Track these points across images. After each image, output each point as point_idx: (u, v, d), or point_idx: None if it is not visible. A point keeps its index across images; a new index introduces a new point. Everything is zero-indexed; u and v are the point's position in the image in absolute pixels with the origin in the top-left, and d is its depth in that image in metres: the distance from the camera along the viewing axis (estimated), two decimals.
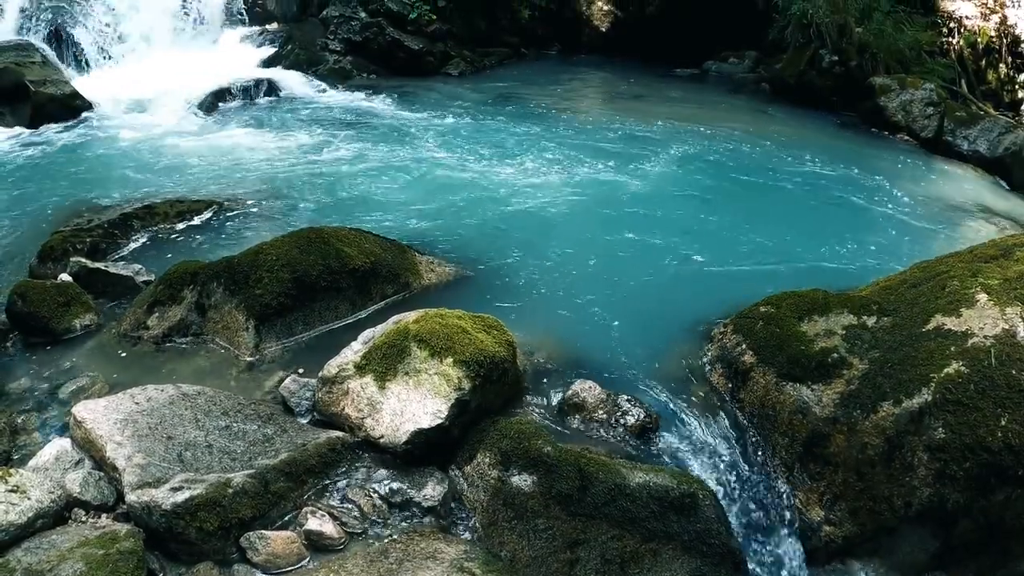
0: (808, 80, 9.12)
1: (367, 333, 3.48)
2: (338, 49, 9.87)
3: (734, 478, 3.22)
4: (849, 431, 3.10)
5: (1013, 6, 9.25)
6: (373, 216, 5.30)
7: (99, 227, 4.92)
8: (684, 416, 3.45)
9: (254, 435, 3.13)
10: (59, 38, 9.03)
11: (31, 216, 5.38)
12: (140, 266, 4.50)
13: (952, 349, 3.06)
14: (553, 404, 3.48)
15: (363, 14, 10.10)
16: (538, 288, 4.39)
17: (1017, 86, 9.28)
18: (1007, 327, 3.04)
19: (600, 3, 11.03)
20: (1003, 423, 2.83)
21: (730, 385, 3.55)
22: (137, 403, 3.15)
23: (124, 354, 3.82)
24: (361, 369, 3.28)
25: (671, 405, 3.51)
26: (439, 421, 3.09)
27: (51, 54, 8.75)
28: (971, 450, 2.85)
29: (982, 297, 3.20)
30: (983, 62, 9.40)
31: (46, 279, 4.26)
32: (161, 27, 9.86)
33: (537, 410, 3.44)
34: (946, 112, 8.18)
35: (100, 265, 4.40)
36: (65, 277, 4.26)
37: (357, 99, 8.78)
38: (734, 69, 10.66)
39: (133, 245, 4.92)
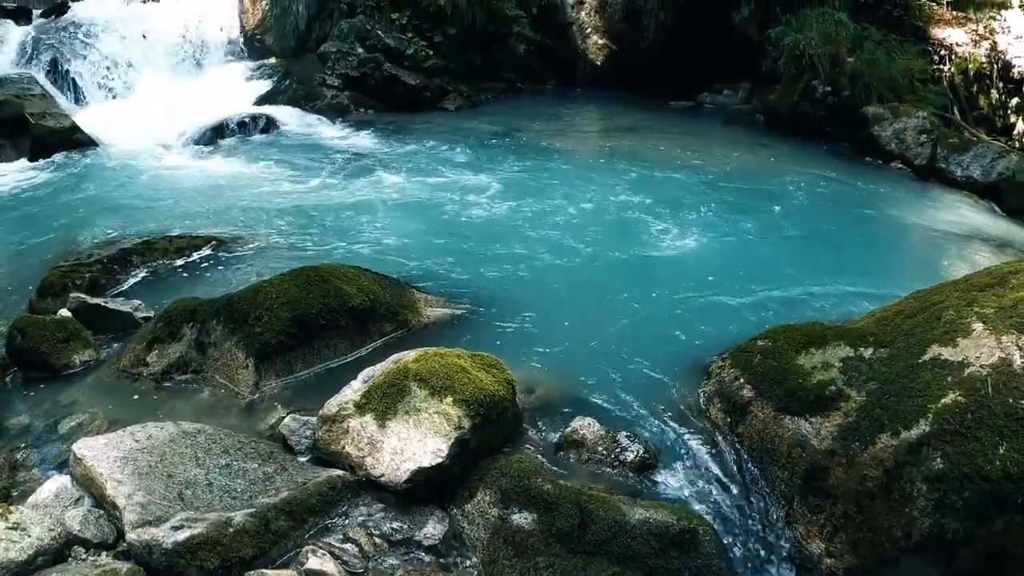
0: (802, 111, 9.17)
1: (367, 372, 3.48)
2: (336, 84, 9.93)
3: (734, 513, 3.22)
4: (848, 463, 3.10)
5: (1003, 32, 9.34)
6: (371, 253, 5.31)
7: (98, 262, 4.93)
8: (683, 451, 3.45)
9: (254, 473, 3.12)
10: (58, 72, 9.13)
11: (30, 250, 5.40)
12: (139, 302, 4.50)
13: (949, 379, 3.06)
14: (552, 441, 3.48)
15: (360, 50, 10.17)
16: (536, 326, 4.39)
17: (1009, 111, 9.34)
18: (1003, 355, 3.04)
19: (595, 37, 11.14)
20: (1001, 451, 2.83)
21: (728, 419, 3.55)
22: (137, 441, 3.15)
23: (124, 391, 3.82)
24: (361, 408, 3.28)
25: (670, 440, 3.50)
26: (439, 460, 3.09)
27: (51, 87, 8.84)
28: (970, 479, 2.84)
29: (978, 326, 3.20)
30: (975, 88, 9.46)
31: (45, 314, 4.28)
32: (160, 62, 9.97)
33: (537, 448, 3.44)
34: (939, 139, 8.21)
35: (99, 301, 4.41)
36: (64, 313, 4.27)
37: (355, 134, 8.82)
38: (728, 101, 10.71)
39: (132, 281, 4.93)
